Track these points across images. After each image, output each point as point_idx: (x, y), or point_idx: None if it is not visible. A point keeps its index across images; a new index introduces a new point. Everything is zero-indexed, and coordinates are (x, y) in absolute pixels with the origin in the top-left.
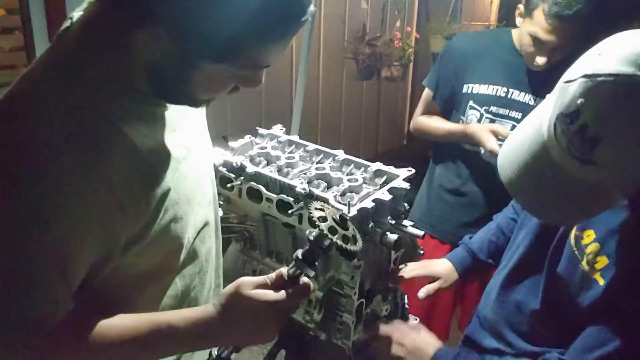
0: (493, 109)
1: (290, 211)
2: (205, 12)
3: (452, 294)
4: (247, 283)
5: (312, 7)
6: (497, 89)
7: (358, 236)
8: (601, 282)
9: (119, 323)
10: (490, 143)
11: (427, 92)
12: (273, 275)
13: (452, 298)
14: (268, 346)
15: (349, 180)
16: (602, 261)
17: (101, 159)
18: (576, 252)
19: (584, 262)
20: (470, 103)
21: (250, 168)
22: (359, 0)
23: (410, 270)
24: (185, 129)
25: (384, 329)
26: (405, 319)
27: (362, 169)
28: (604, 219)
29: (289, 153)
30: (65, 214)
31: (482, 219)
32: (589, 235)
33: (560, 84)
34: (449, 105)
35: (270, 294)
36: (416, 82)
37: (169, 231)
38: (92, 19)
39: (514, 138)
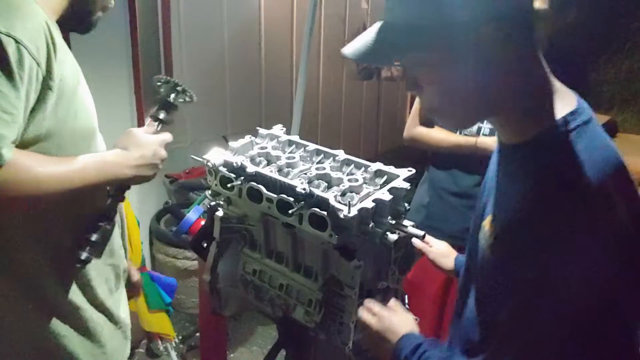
0: None
1: (290, 211)
2: None
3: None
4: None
5: None
6: None
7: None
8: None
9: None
10: None
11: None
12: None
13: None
14: (268, 346)
15: (349, 180)
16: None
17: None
18: (482, 241)
19: (486, 247)
20: None
21: (251, 168)
22: (359, 0)
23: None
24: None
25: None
26: None
27: (363, 169)
28: (503, 205)
29: (289, 153)
30: None
31: None
32: (488, 220)
33: None
34: None
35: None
36: None
37: (75, 116)
38: None
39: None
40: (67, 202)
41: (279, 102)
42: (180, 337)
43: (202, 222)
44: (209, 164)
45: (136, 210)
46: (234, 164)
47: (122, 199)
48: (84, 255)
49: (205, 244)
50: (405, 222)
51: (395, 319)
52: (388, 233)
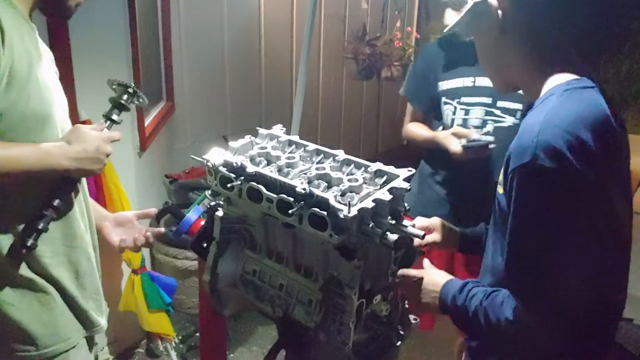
0: (464, 99)
1: (290, 211)
2: None
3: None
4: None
5: None
6: (465, 80)
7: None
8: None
9: None
10: (453, 146)
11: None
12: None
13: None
14: (268, 346)
15: (349, 180)
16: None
17: None
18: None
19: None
20: (444, 99)
21: (251, 168)
22: (359, 0)
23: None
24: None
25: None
26: (405, 319)
27: (363, 169)
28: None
29: (289, 153)
30: None
31: (470, 211)
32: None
33: None
34: (432, 108)
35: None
36: None
37: (27, 100)
38: None
39: None
40: (15, 190)
41: (279, 102)
42: (180, 337)
43: (202, 222)
44: (209, 164)
45: (136, 210)
46: (234, 164)
47: (68, 189)
48: (29, 242)
49: (205, 244)
50: (405, 222)
51: (431, 273)
52: (388, 233)
